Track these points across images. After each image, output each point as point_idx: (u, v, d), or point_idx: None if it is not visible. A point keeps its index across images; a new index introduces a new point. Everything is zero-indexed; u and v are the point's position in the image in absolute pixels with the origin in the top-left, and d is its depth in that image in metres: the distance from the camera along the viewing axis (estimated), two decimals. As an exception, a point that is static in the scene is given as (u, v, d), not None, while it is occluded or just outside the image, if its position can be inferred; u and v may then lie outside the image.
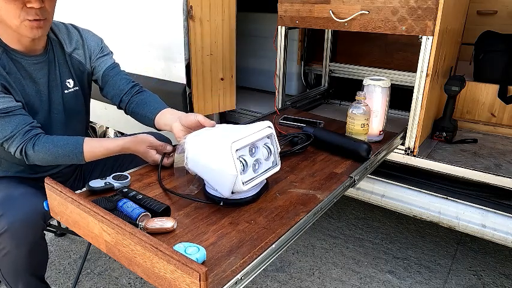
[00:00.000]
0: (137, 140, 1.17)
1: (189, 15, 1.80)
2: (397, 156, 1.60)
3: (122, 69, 1.41)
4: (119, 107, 1.39)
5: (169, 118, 1.22)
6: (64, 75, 1.29)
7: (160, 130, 1.29)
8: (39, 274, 1.28)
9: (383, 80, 1.44)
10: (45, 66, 1.25)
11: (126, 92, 1.35)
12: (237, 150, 0.93)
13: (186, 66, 1.88)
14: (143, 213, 0.90)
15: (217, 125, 1.08)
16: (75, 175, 1.48)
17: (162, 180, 1.12)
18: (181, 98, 1.92)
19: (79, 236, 0.95)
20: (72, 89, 1.31)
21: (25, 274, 1.22)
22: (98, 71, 1.37)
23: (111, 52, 1.42)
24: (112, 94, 1.37)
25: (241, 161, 0.96)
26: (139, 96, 1.34)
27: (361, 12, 1.49)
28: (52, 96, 1.27)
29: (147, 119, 1.29)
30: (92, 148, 1.16)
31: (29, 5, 1.08)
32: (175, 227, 0.89)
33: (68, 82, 1.30)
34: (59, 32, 1.29)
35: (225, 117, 2.24)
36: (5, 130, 1.11)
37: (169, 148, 1.18)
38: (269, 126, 1.05)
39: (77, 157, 1.15)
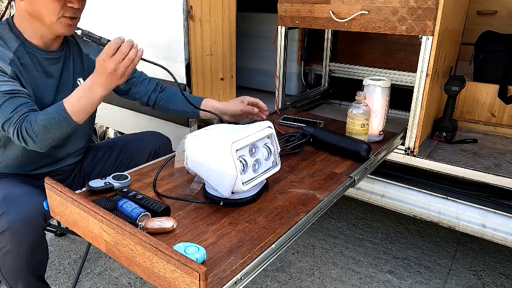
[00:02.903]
0: (99, 69, 1.09)
1: (189, 15, 1.80)
2: (397, 156, 1.60)
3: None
4: (146, 104, 1.52)
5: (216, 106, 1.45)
6: (76, 73, 1.34)
7: (203, 118, 1.50)
8: (39, 274, 1.28)
9: (383, 80, 1.44)
10: (60, 62, 1.30)
11: (152, 90, 1.50)
12: (237, 150, 0.93)
13: (186, 66, 1.88)
14: (143, 213, 0.90)
15: (217, 125, 1.08)
16: (75, 173, 1.48)
17: (162, 180, 1.12)
18: (181, 98, 1.92)
19: (79, 236, 0.95)
20: None
21: (25, 273, 1.22)
22: None
23: None
24: (140, 94, 1.50)
25: (241, 161, 0.96)
26: (166, 93, 1.50)
27: (361, 12, 1.49)
28: (61, 91, 1.29)
29: (190, 111, 1.47)
30: (74, 109, 1.12)
31: (69, 5, 1.16)
32: (175, 226, 0.89)
33: (79, 80, 1.34)
34: (75, 33, 1.32)
35: (225, 117, 2.24)
36: (6, 111, 1.11)
37: (122, 38, 1.10)
38: (269, 126, 1.05)
39: (65, 118, 1.11)
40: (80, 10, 1.21)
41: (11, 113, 1.10)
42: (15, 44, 1.19)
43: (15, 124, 1.10)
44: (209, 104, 1.45)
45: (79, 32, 1.11)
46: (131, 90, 1.49)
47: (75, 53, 1.34)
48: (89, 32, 1.14)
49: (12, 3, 1.26)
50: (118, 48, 1.07)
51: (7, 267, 1.18)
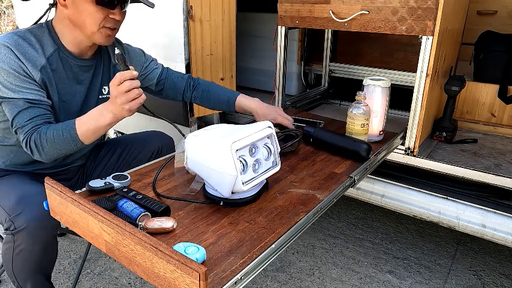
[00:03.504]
0: (111, 100, 1.08)
1: (189, 15, 1.81)
2: (397, 156, 1.60)
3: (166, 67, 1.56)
4: (183, 101, 1.60)
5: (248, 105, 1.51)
6: (103, 82, 1.36)
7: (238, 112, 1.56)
8: (47, 273, 1.30)
9: (383, 80, 1.44)
10: (91, 70, 1.31)
11: (184, 88, 1.54)
12: (237, 150, 0.93)
13: (186, 66, 1.88)
14: (143, 213, 0.90)
15: (217, 125, 1.08)
16: (79, 173, 1.49)
17: (162, 180, 1.12)
18: (181, 98, 1.92)
19: (79, 236, 0.95)
20: (105, 96, 1.37)
21: (35, 272, 1.24)
22: (149, 80, 1.50)
23: (154, 58, 1.54)
24: (173, 95, 1.55)
25: (241, 161, 0.96)
26: (201, 89, 1.54)
27: (361, 12, 1.49)
28: (88, 98, 1.32)
29: (224, 105, 1.53)
30: (83, 129, 1.12)
31: (111, 16, 1.18)
32: (175, 226, 0.89)
33: (104, 88, 1.37)
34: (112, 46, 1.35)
35: (225, 117, 2.24)
36: (23, 118, 1.13)
37: (135, 73, 1.06)
38: (269, 126, 1.05)
39: (72, 137, 1.12)
40: (120, 22, 1.23)
41: (26, 121, 1.12)
42: (51, 49, 1.20)
43: (27, 133, 1.12)
44: (243, 102, 1.51)
45: (117, 51, 1.09)
46: (163, 92, 1.53)
47: (105, 62, 1.36)
48: (125, 58, 1.12)
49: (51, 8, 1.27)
50: (125, 80, 1.04)
51: (19, 265, 1.20)
